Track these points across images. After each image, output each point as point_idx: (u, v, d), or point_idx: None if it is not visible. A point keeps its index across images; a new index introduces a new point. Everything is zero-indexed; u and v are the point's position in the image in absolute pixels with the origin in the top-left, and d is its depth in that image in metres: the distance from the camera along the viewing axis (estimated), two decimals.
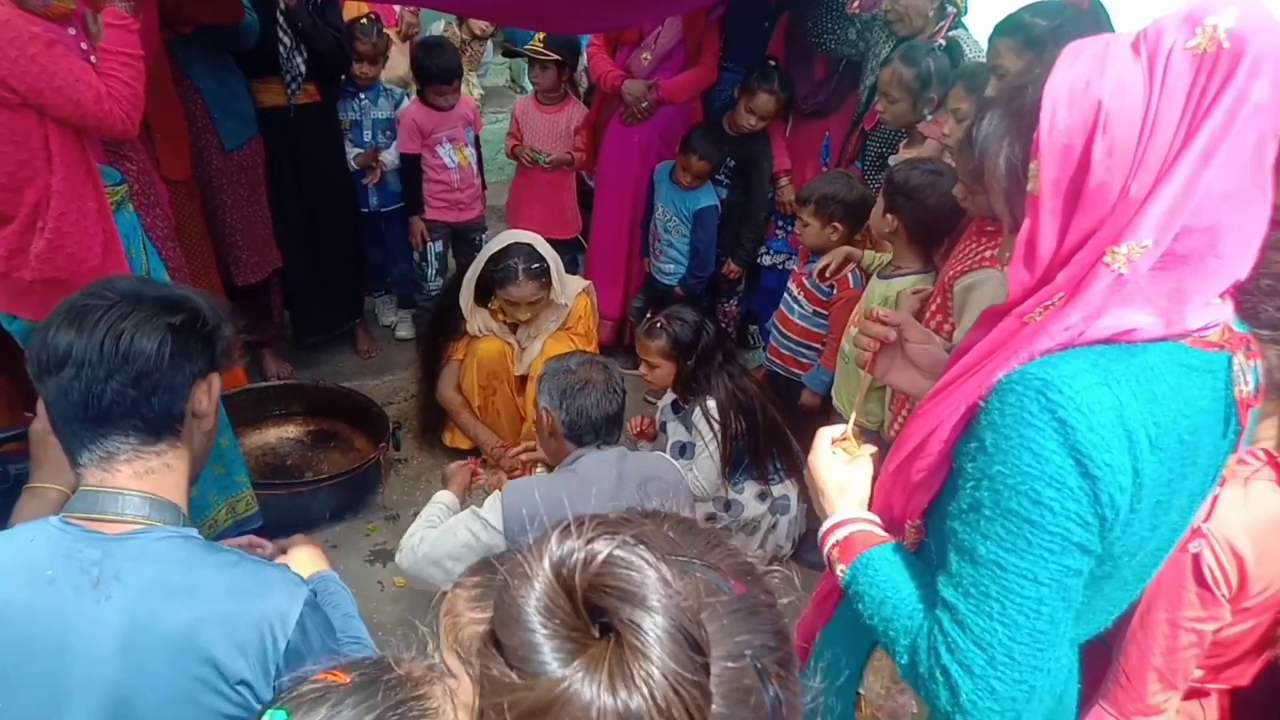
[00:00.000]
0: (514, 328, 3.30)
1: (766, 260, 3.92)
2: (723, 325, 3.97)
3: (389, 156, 3.92)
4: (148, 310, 1.18)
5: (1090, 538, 0.98)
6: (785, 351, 3.17)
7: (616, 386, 2.26)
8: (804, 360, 3.12)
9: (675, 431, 2.83)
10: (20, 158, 2.14)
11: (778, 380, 3.22)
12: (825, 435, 1.35)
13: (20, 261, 2.23)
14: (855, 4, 3.23)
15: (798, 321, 3.09)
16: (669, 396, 2.91)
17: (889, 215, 2.52)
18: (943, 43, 3.03)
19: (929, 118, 2.94)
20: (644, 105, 3.70)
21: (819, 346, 3.06)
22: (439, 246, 4.18)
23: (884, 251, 2.92)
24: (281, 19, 3.25)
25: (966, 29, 3.17)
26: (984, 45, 3.04)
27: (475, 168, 4.10)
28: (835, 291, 2.95)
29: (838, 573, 1.19)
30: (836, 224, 2.91)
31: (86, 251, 2.28)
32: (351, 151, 3.86)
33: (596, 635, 0.54)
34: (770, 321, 3.29)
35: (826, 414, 3.00)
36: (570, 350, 3.11)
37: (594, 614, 0.55)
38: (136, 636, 1.13)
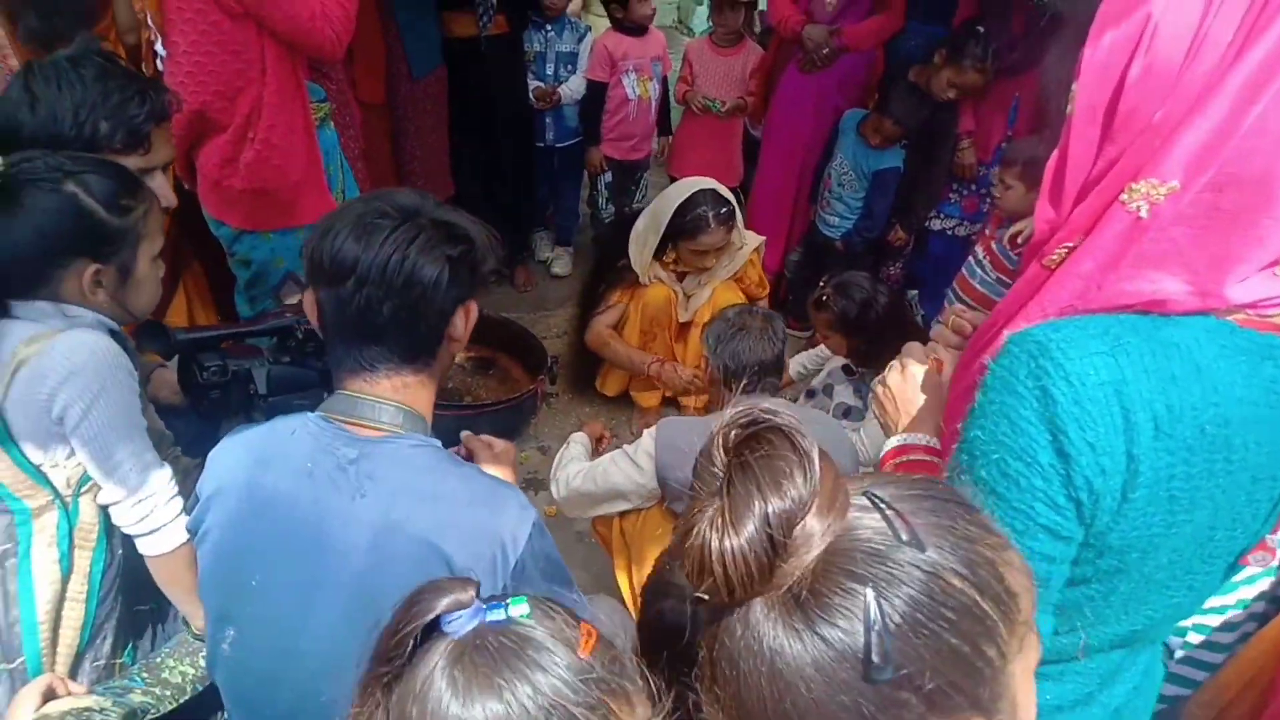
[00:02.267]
0: (680, 275, 3.26)
1: (936, 225, 3.75)
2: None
3: (568, 90, 3.94)
4: (430, 237, 1.19)
5: (1063, 522, 0.87)
6: None
7: (775, 334, 2.25)
8: None
9: (842, 394, 2.76)
10: (238, 67, 2.24)
11: None
12: (918, 351, 1.24)
13: (231, 170, 2.35)
14: None
15: (978, 287, 2.95)
16: (838, 360, 2.83)
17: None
18: None
19: None
20: (825, 52, 3.56)
21: None
22: (609, 177, 4.21)
23: None
24: None
25: None
26: None
27: (655, 105, 4.07)
28: None
29: None
30: None
31: (291, 165, 2.38)
32: (533, 84, 3.89)
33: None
34: (951, 286, 3.15)
35: None
36: (739, 300, 3.07)
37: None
38: (385, 535, 1.16)
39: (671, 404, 3.53)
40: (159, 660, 1.44)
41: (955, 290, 3.06)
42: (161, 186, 1.67)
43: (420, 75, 3.41)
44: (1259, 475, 0.92)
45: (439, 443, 1.27)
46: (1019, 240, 2.76)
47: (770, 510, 0.60)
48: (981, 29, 3.25)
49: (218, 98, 2.25)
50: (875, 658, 0.58)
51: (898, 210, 3.73)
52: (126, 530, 1.44)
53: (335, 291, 1.19)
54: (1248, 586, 1.64)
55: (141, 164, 1.61)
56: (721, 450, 0.64)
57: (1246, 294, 0.86)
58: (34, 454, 1.37)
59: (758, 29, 4.54)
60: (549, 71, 3.91)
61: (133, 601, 1.56)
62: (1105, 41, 0.90)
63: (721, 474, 0.64)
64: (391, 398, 1.23)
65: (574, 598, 1.33)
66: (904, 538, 0.61)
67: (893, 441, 1.17)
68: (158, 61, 2.33)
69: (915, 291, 4.05)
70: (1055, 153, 0.96)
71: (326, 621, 1.19)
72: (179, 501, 1.46)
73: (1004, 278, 2.88)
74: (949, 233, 3.73)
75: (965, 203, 3.64)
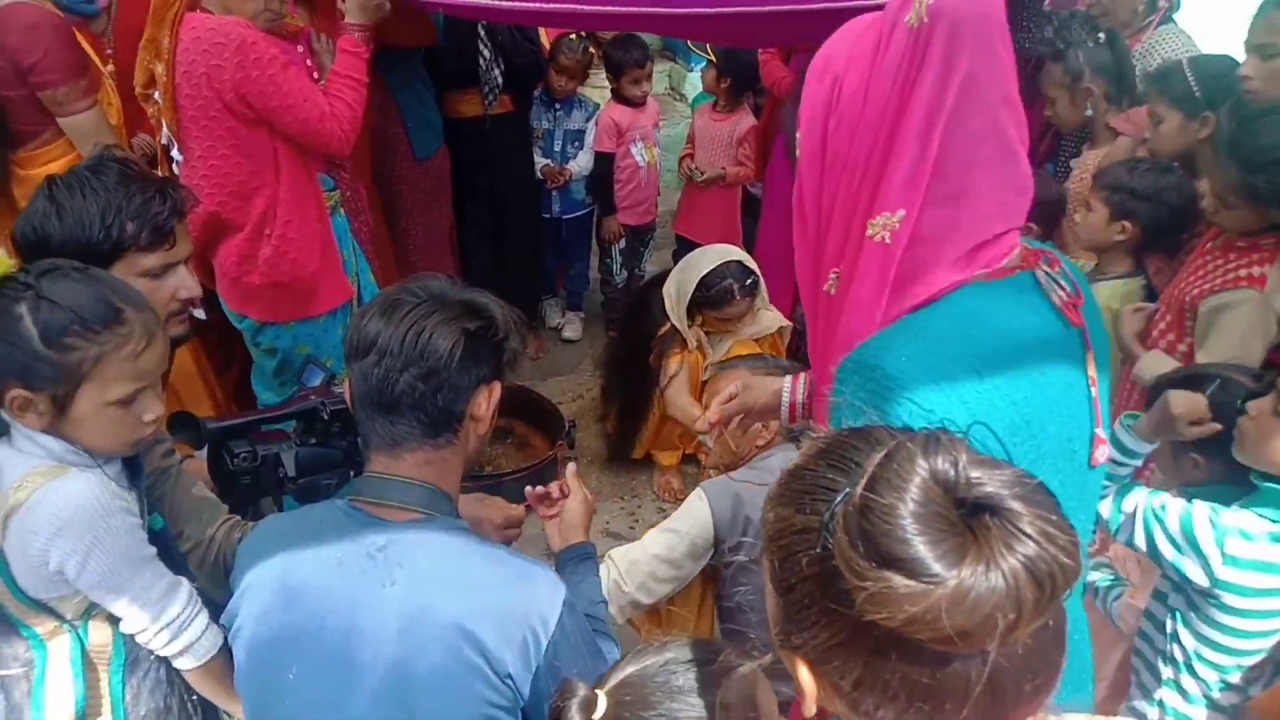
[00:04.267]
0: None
1: None
2: None
3: (576, 166, 4.02)
4: (449, 312, 1.24)
5: None
6: None
7: None
8: None
9: None
10: (252, 169, 2.34)
11: None
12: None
13: (249, 267, 2.43)
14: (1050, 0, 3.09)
15: None
16: None
17: (1122, 222, 2.36)
18: (1102, 36, 2.86)
19: (1090, 113, 2.81)
20: None
21: None
22: (622, 244, 4.28)
23: (1074, 255, 2.79)
24: (482, 32, 3.42)
25: (1176, 24, 2.99)
26: (1194, 41, 2.87)
27: (658, 169, 4.17)
28: None
29: None
30: (1030, 225, 2.77)
31: (307, 257, 2.46)
32: (540, 162, 3.97)
33: (964, 534, 0.61)
34: None
35: None
36: (753, 352, 3.09)
37: (964, 508, 0.62)
38: (416, 622, 1.18)
39: (691, 460, 3.55)
40: None
41: None
42: (185, 279, 1.70)
43: (424, 157, 3.51)
44: (1070, 370, 1.13)
45: (466, 524, 1.30)
46: None
47: (1042, 550, 0.61)
48: None
49: (233, 198, 2.34)
50: None
51: None
52: (156, 651, 1.43)
53: (360, 365, 1.24)
54: None
55: (167, 259, 1.65)
56: (948, 496, 0.63)
57: (986, 261, 1.11)
58: (38, 594, 1.36)
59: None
60: (556, 148, 4.00)
61: (179, 695, 1.56)
62: (810, 99, 1.14)
63: (953, 519, 0.62)
64: (416, 476, 1.26)
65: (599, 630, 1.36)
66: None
67: None
68: (173, 167, 2.42)
69: None
70: (795, 192, 1.19)
71: (361, 711, 1.21)
72: (203, 616, 1.45)
73: None
74: None
75: None
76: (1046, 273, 1.14)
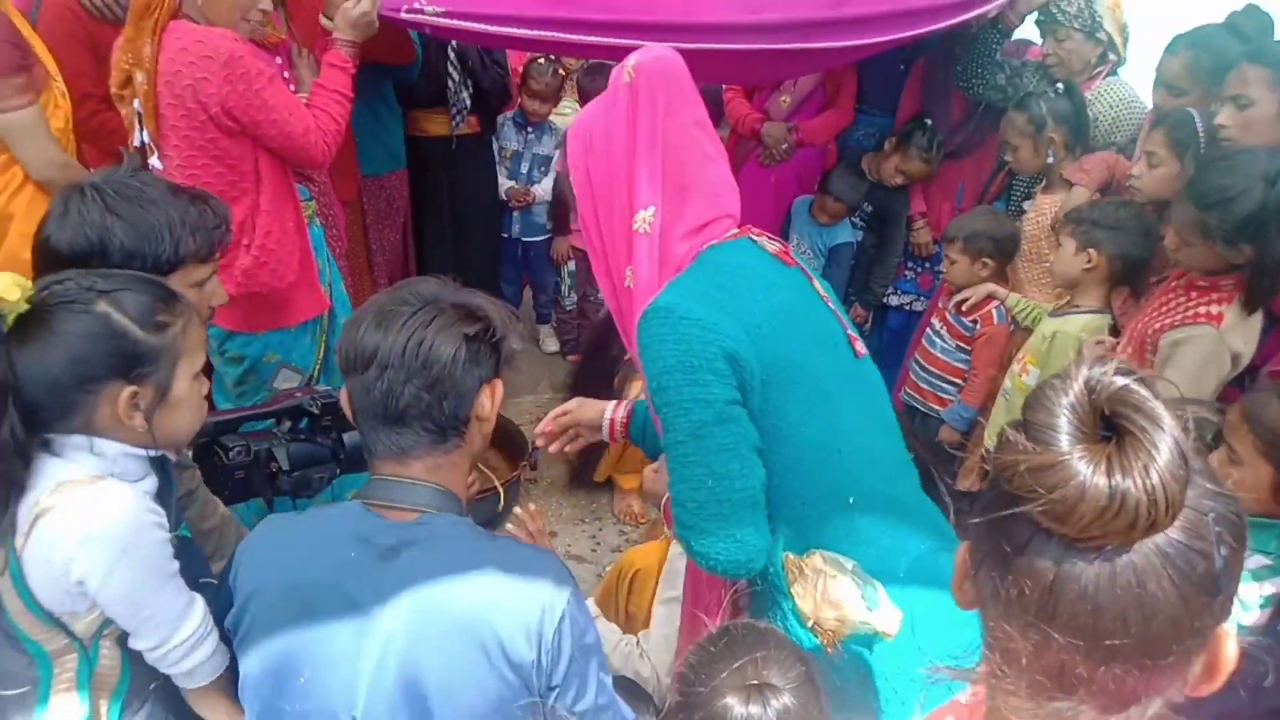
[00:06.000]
0: None
1: (894, 300, 3.92)
2: None
3: (541, 189, 4.07)
4: (447, 319, 1.25)
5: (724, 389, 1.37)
6: (925, 386, 3.17)
7: None
8: (944, 395, 3.13)
9: None
10: (232, 179, 2.31)
11: (914, 415, 3.23)
12: None
13: (225, 277, 2.36)
14: (1007, 49, 3.25)
15: (939, 355, 3.10)
16: None
17: (1088, 251, 2.49)
18: (1061, 86, 3.01)
19: (1051, 160, 2.95)
20: (784, 147, 3.77)
21: (959, 381, 3.07)
22: (572, 266, 4.32)
23: (1027, 294, 2.93)
24: (453, 55, 3.46)
25: (1119, 77, 3.17)
26: (1139, 94, 3.05)
27: None
28: (979, 327, 2.96)
29: None
30: (986, 260, 2.92)
31: (286, 268, 2.43)
32: (505, 183, 4.00)
33: (1098, 439, 0.68)
34: (912, 358, 3.29)
35: (965, 450, 3.02)
36: None
37: (1107, 421, 0.68)
38: (428, 617, 1.19)
39: None
40: None
41: (918, 361, 3.21)
42: (217, 287, 1.73)
43: (370, 174, 3.51)
44: (795, 293, 1.52)
45: (471, 520, 1.31)
46: (964, 308, 2.94)
47: (1175, 454, 0.66)
48: (928, 122, 3.48)
49: None
50: (1221, 581, 0.69)
51: (855, 289, 3.90)
52: (162, 669, 1.40)
53: (361, 379, 1.25)
54: None
55: (211, 270, 1.66)
56: (1089, 400, 0.69)
57: (709, 239, 1.50)
58: (53, 607, 1.31)
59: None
60: (523, 171, 4.04)
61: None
62: (573, 152, 1.60)
63: (1091, 422, 0.68)
64: (426, 479, 1.28)
65: (603, 676, 1.36)
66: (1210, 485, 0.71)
67: None
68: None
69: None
70: (580, 225, 1.65)
71: (376, 710, 1.21)
72: (214, 635, 1.42)
73: (961, 344, 3.04)
74: (905, 308, 3.90)
75: (920, 279, 3.83)
76: (758, 236, 1.54)
